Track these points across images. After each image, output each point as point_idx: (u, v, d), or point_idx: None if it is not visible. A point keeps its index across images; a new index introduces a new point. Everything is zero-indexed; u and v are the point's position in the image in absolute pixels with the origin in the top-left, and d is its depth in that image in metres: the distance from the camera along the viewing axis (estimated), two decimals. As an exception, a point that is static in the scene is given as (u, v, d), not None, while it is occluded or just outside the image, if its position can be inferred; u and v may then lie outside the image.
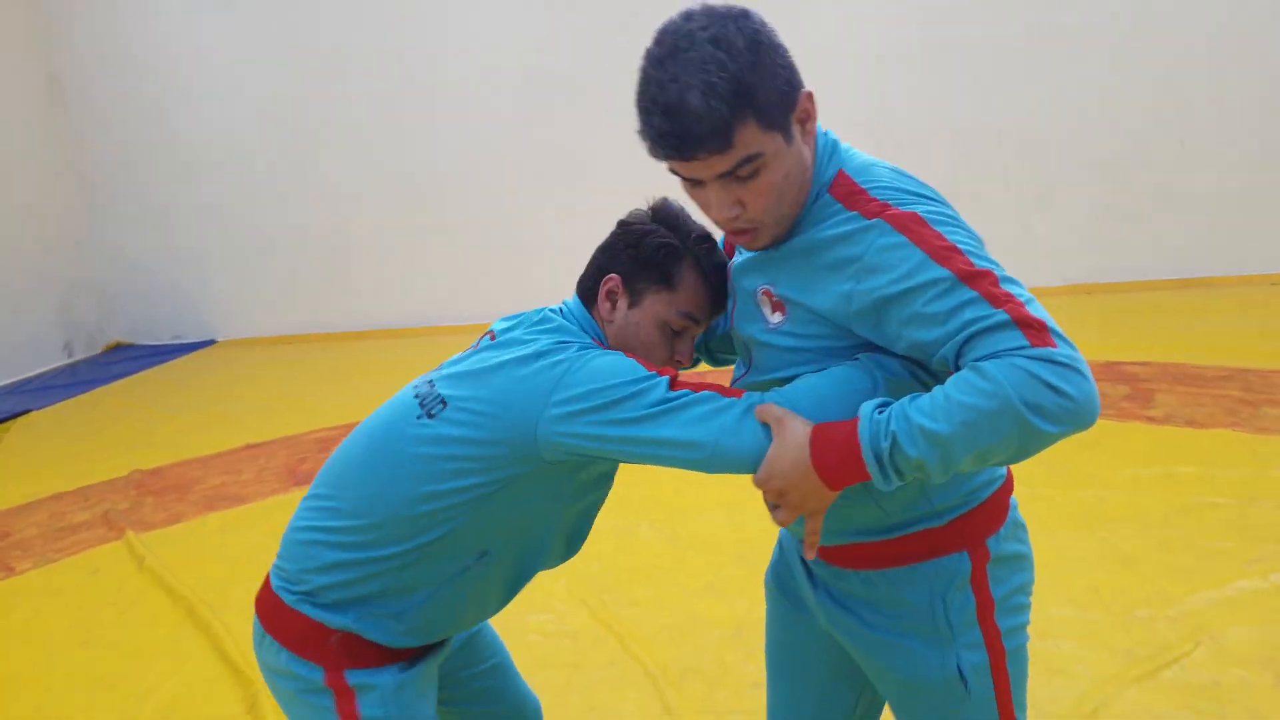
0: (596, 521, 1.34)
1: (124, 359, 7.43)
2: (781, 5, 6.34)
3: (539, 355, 1.16)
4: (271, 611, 1.28)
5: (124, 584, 3.33)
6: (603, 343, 1.28)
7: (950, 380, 0.97)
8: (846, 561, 1.23)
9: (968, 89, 5.94)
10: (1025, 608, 1.24)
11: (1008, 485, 1.25)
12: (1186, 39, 5.55)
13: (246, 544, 3.53)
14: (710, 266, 1.28)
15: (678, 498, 3.48)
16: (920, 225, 1.01)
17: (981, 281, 0.97)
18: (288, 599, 1.26)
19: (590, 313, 1.31)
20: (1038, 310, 0.97)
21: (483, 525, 1.20)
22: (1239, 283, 5.60)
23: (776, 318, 1.14)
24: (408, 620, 1.25)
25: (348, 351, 6.84)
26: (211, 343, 7.69)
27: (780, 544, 1.44)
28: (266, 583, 1.32)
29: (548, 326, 1.24)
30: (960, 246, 1.00)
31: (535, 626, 2.72)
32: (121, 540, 3.70)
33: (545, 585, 2.89)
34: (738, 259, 1.24)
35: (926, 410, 0.96)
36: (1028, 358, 0.93)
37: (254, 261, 7.54)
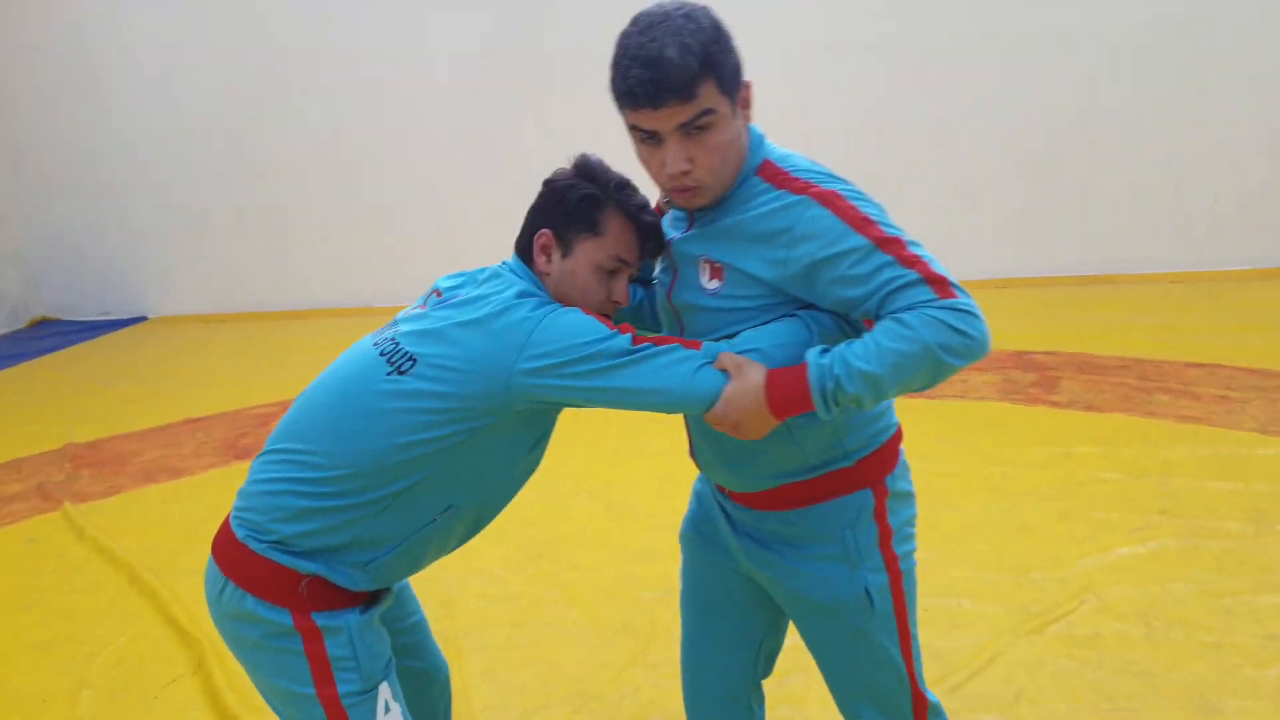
0: (537, 491, 1.48)
1: (50, 334, 7.27)
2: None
3: (502, 312, 1.27)
4: (237, 560, 1.33)
5: (63, 552, 3.34)
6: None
7: (877, 328, 1.19)
8: (768, 505, 1.41)
9: (893, 85, 6.20)
10: (913, 537, 1.45)
11: (899, 433, 1.46)
12: (1102, 44, 5.89)
13: (188, 514, 3.57)
14: (633, 209, 1.38)
15: (612, 470, 3.63)
16: (840, 200, 1.22)
17: (893, 247, 1.20)
18: (256, 547, 1.32)
19: (530, 268, 1.40)
20: (939, 268, 1.20)
21: (450, 475, 1.31)
22: (1141, 280, 5.98)
23: (714, 284, 1.31)
24: (374, 569, 1.34)
25: (284, 330, 6.82)
26: (143, 319, 7.57)
27: (697, 495, 1.61)
28: (229, 535, 1.36)
29: (499, 283, 1.34)
30: (873, 217, 1.21)
31: (476, 590, 2.85)
32: (59, 511, 3.70)
33: (485, 552, 3.02)
34: (677, 235, 1.39)
35: (861, 355, 1.18)
36: (937, 308, 1.16)
37: (189, 239, 7.44)
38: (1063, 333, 4.99)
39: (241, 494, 1.38)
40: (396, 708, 1.37)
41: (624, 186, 1.39)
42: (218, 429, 4.58)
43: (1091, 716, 2.07)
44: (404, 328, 1.35)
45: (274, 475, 1.34)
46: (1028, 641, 2.36)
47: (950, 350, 1.16)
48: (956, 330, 1.15)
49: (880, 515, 1.39)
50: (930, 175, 6.29)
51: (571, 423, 3.76)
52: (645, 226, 1.39)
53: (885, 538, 1.39)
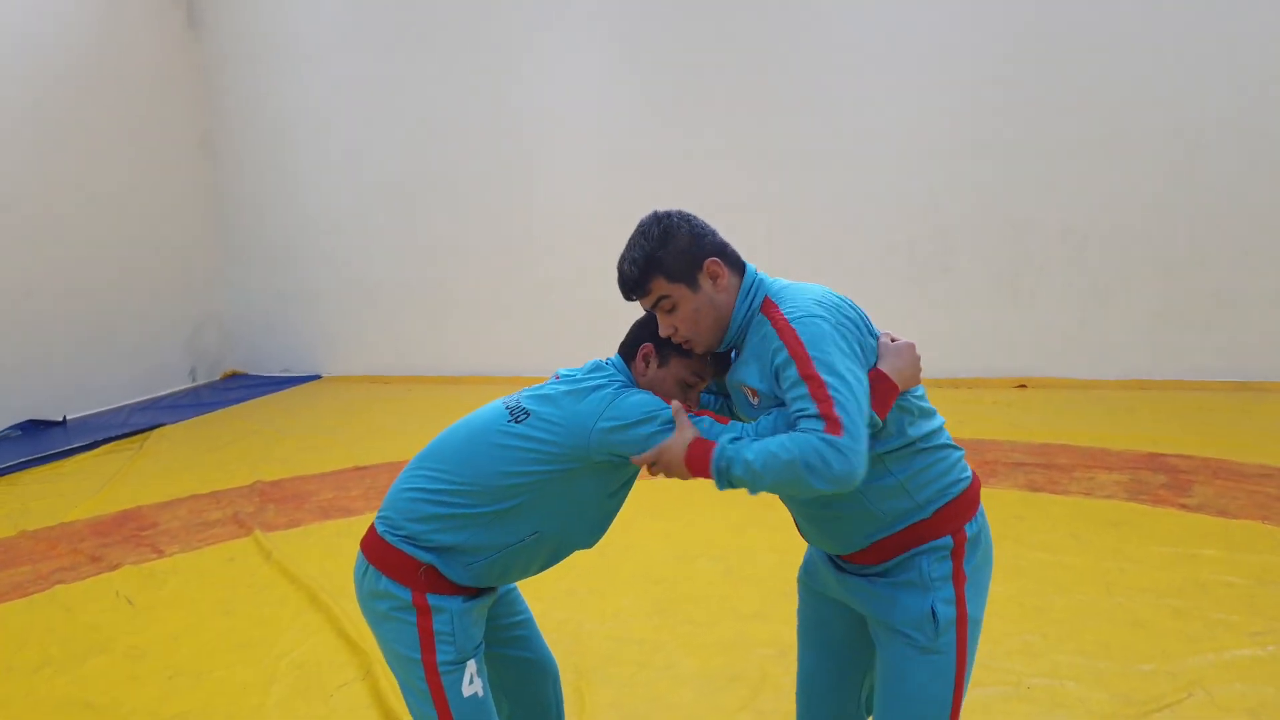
0: (664, 552, 1.84)
1: (239, 386, 8.19)
2: (849, 98, 6.93)
3: (594, 389, 1.71)
4: (375, 549, 1.75)
5: (256, 571, 3.87)
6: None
7: (779, 435, 1.52)
8: (866, 560, 1.70)
9: (1027, 185, 6.35)
10: (984, 596, 1.69)
11: (975, 484, 1.73)
12: (1245, 143, 5.87)
13: (354, 548, 4.04)
14: None
15: (733, 539, 3.88)
16: (796, 338, 1.56)
17: (813, 382, 1.50)
18: (390, 539, 1.74)
19: (629, 367, 1.81)
20: (842, 410, 1.47)
21: (539, 506, 1.70)
22: (1294, 390, 5.79)
23: (755, 400, 1.68)
24: (473, 569, 1.74)
25: (439, 393, 7.45)
26: (317, 377, 8.42)
27: (810, 551, 1.92)
28: (372, 531, 1.80)
29: (600, 373, 1.77)
30: (812, 356, 1.52)
31: (605, 632, 3.14)
32: (250, 537, 4.27)
33: (615, 600, 3.32)
34: (731, 369, 1.78)
35: (754, 451, 1.51)
36: (817, 436, 1.46)
37: (360, 307, 8.29)
38: (1200, 437, 4.92)
39: (385, 500, 1.81)
40: (480, 682, 1.73)
41: None
42: (382, 476, 5.11)
43: (1185, 799, 2.15)
44: (527, 393, 1.79)
45: (411, 485, 1.77)
46: (1128, 726, 2.44)
47: (811, 470, 1.45)
48: (821, 458, 1.45)
49: (958, 556, 1.64)
50: (1065, 275, 6.35)
51: (698, 492, 4.05)
52: (720, 355, 1.80)
53: (959, 579, 1.64)
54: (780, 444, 1.49)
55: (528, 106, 7.51)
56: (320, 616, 3.39)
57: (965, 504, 1.67)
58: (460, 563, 1.72)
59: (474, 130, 7.69)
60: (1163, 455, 4.64)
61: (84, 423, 6.87)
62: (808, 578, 1.90)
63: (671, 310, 1.66)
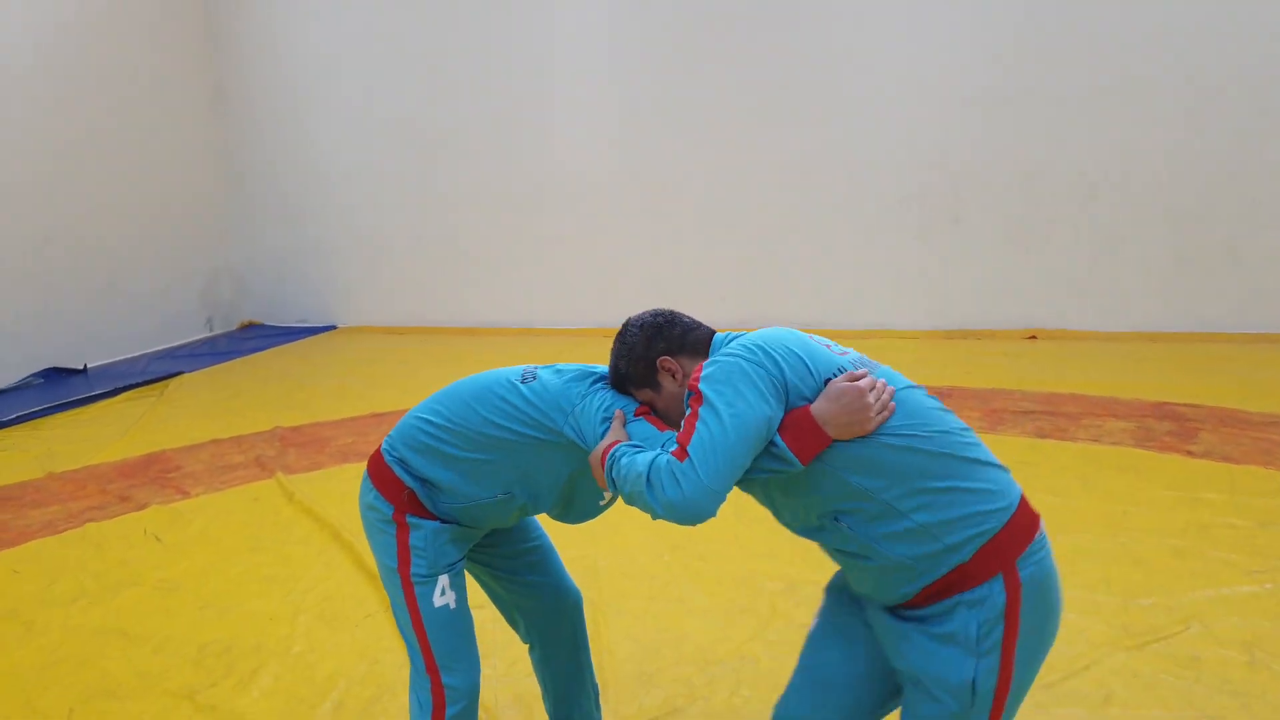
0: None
1: (256, 336, 8.28)
2: (859, 50, 6.89)
3: (596, 381, 1.79)
4: (374, 464, 1.90)
5: (279, 511, 3.98)
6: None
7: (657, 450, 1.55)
8: (912, 605, 1.54)
9: (1041, 135, 6.31)
10: (1040, 659, 1.52)
11: (1020, 514, 1.49)
12: (1255, 94, 5.81)
13: (377, 490, 4.15)
14: None
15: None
16: (699, 370, 1.55)
17: (689, 411, 1.50)
18: (387, 459, 1.89)
19: (630, 395, 1.82)
20: (696, 440, 1.45)
21: (512, 466, 1.79)
22: (1305, 340, 5.80)
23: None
24: (445, 508, 1.86)
25: (454, 344, 7.52)
26: (333, 328, 8.50)
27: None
28: (376, 450, 1.94)
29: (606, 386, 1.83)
30: (700, 388, 1.51)
31: (618, 568, 3.24)
32: (272, 479, 4.37)
33: (628, 536, 3.42)
34: None
35: (628, 459, 1.53)
36: (665, 460, 1.47)
37: (374, 258, 8.34)
38: (1208, 387, 4.95)
39: (400, 421, 1.93)
40: (452, 595, 1.85)
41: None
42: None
43: (1178, 722, 2.24)
44: (547, 367, 1.88)
45: (418, 414, 1.89)
46: (1126, 655, 2.52)
47: (649, 488, 1.46)
48: (659, 478, 1.46)
49: (1012, 613, 1.45)
50: (1076, 226, 6.34)
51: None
52: None
53: (1010, 645, 1.45)
54: (645, 458, 1.50)
55: (540, 59, 7.47)
56: (343, 553, 3.50)
57: (1012, 536, 1.46)
58: (437, 498, 1.85)
59: (486, 82, 7.65)
60: (1170, 404, 4.68)
61: (104, 371, 6.99)
62: (837, 583, 1.78)
63: (653, 408, 1.73)
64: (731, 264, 7.16)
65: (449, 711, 1.81)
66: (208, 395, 6.19)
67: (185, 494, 4.25)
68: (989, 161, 6.47)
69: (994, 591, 1.45)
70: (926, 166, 6.65)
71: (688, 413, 1.50)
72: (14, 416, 5.60)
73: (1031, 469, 3.91)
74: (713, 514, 1.44)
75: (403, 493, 1.84)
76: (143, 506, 4.11)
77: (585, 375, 1.81)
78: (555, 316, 7.80)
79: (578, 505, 1.89)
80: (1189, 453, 4.01)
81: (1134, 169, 6.15)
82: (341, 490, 4.18)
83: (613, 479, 1.56)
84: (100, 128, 7.20)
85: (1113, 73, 6.08)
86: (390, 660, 2.75)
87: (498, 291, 7.99)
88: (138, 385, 6.36)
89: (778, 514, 1.68)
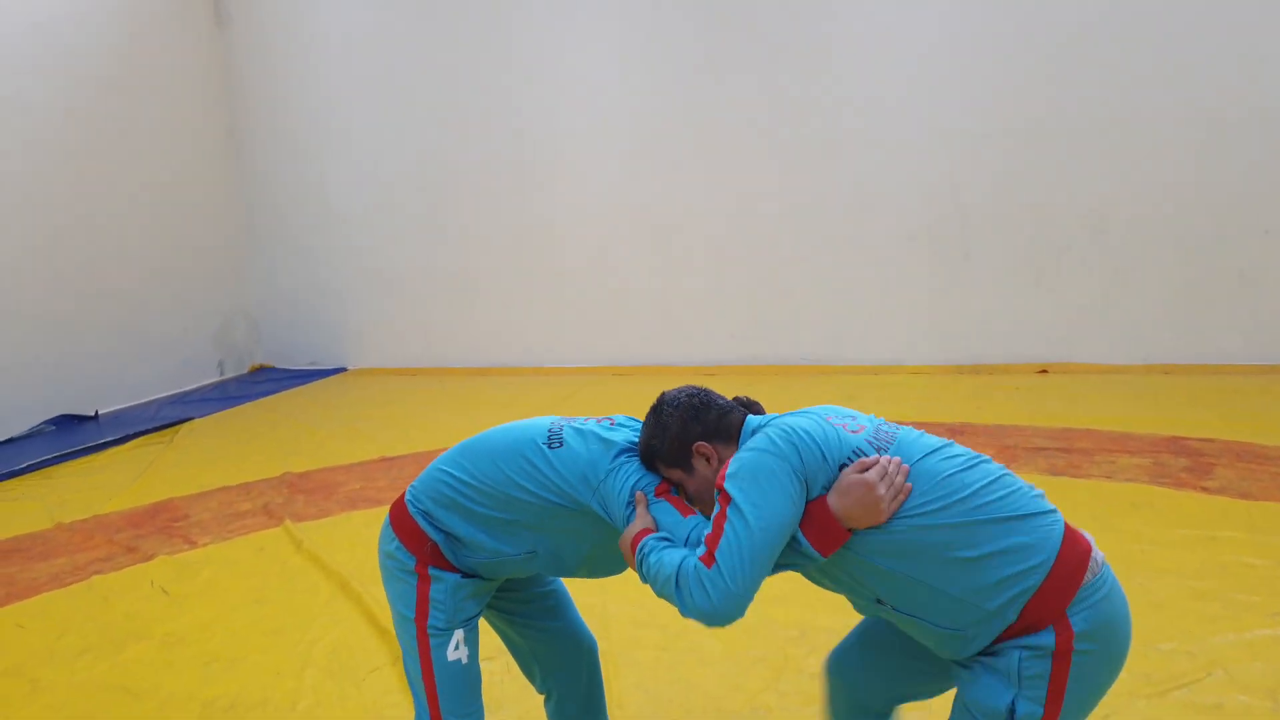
0: None
1: (267, 379, 8.31)
2: (868, 84, 6.94)
3: (622, 450, 1.78)
4: (398, 515, 1.90)
5: (286, 560, 3.96)
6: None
7: (686, 550, 1.58)
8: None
9: (1051, 168, 6.32)
10: (1094, 700, 1.53)
11: (1066, 556, 1.50)
12: (1271, 124, 5.81)
13: (385, 537, 4.13)
14: None
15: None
16: (725, 466, 1.58)
17: (715, 519, 1.53)
18: (411, 510, 1.89)
19: (657, 473, 1.80)
20: (724, 544, 1.48)
21: (539, 530, 1.80)
22: (1320, 371, 5.74)
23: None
24: (469, 562, 1.87)
25: (466, 384, 7.53)
26: (343, 370, 8.53)
27: None
28: (399, 499, 1.93)
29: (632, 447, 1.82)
30: (726, 486, 1.53)
31: (629, 616, 3.19)
32: (280, 527, 4.36)
33: (639, 586, 3.37)
34: None
35: (657, 555, 1.57)
36: (693, 565, 1.51)
37: (385, 299, 8.38)
38: (1223, 420, 4.90)
39: (424, 473, 1.93)
40: (465, 650, 1.86)
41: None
42: (408, 467, 5.19)
43: (1204, 776, 2.17)
44: (574, 422, 1.87)
45: (442, 467, 1.89)
46: (1147, 703, 2.46)
47: (678, 592, 1.51)
48: (687, 584, 1.49)
49: (1063, 656, 1.45)
50: (1086, 259, 6.32)
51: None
52: None
53: (1059, 683, 1.46)
54: (674, 558, 1.54)
55: (548, 99, 7.55)
56: (351, 604, 3.47)
57: (1056, 587, 1.46)
58: (460, 551, 1.85)
59: (494, 122, 7.73)
60: (1184, 439, 4.63)
61: (115, 417, 7.01)
62: None
63: (681, 488, 1.73)
64: (742, 299, 7.16)
65: None
66: (217, 441, 6.20)
67: (192, 544, 4.23)
68: (999, 195, 6.48)
69: (1046, 640, 1.47)
70: (937, 201, 6.66)
71: (716, 511, 1.54)
72: (24, 465, 5.62)
73: (1046, 508, 3.85)
74: (741, 616, 1.51)
75: (426, 545, 1.84)
76: (149, 558, 4.10)
77: (610, 443, 1.79)
78: (566, 355, 7.80)
79: (602, 565, 1.90)
80: (1205, 489, 3.95)
81: (1145, 200, 6.15)
82: (349, 538, 4.16)
83: (642, 572, 1.62)
84: (111, 172, 7.29)
85: (1123, 105, 6.10)
86: (395, 715, 2.71)
87: (508, 331, 8.01)
88: (148, 432, 6.38)
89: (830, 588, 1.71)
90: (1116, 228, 6.23)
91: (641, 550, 1.61)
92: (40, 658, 3.23)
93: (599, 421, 1.87)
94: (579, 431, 1.82)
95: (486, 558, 1.84)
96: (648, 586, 1.63)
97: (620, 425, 1.87)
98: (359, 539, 4.14)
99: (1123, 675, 2.57)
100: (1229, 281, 6.03)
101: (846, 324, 6.98)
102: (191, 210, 8.13)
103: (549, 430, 1.84)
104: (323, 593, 3.60)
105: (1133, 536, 3.53)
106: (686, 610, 1.50)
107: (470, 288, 8.07)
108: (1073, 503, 3.90)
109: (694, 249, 7.23)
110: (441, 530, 1.85)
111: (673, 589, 1.51)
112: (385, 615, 3.29)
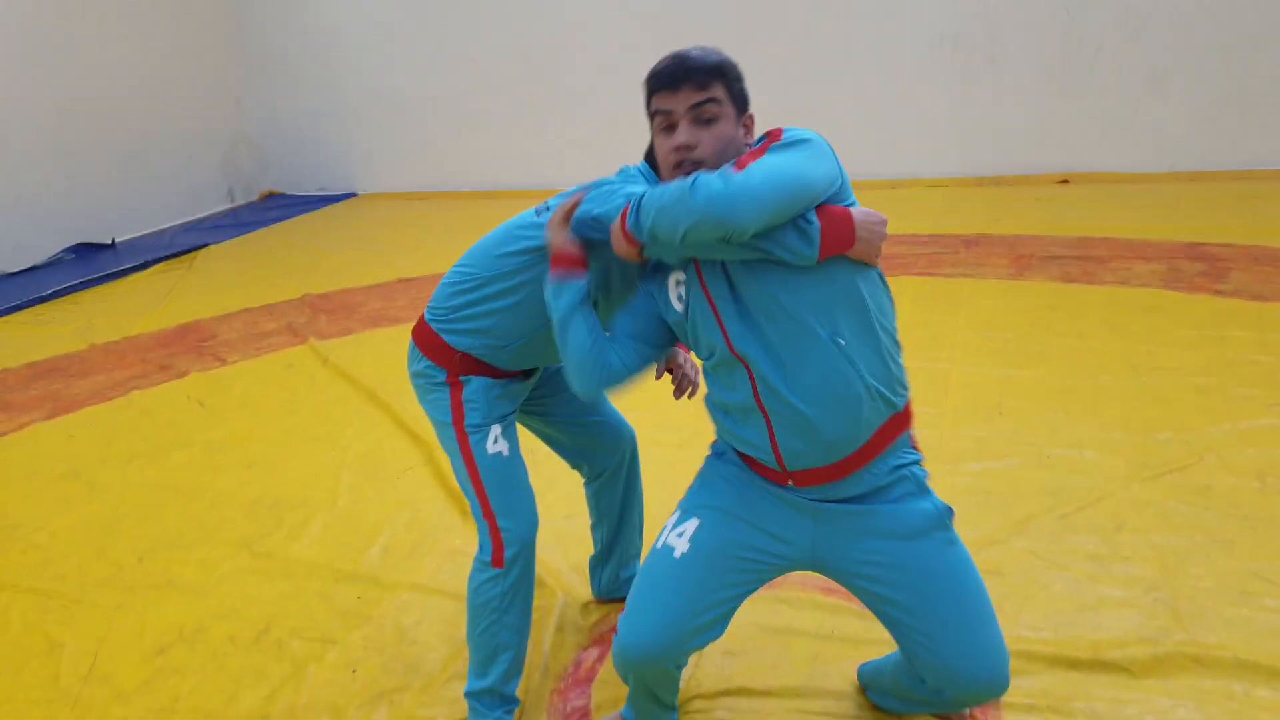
0: None
1: (277, 206, 8.28)
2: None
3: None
4: (421, 333, 1.93)
5: (315, 375, 4.10)
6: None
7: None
8: (849, 469, 1.55)
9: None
10: None
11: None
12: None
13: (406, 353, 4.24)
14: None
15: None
16: (778, 132, 1.52)
17: (754, 151, 1.45)
18: (435, 326, 1.91)
19: (653, 169, 1.73)
20: (761, 163, 1.39)
21: (539, 294, 1.74)
22: (1349, 175, 5.61)
23: None
24: (502, 355, 1.88)
25: (473, 208, 7.48)
26: (353, 195, 8.46)
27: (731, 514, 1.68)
28: (420, 317, 1.95)
29: (619, 175, 1.76)
30: (784, 137, 1.47)
31: (648, 420, 3.33)
32: (305, 345, 4.48)
33: (653, 389, 3.49)
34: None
35: (661, 190, 1.45)
36: (715, 175, 1.40)
37: (391, 123, 8.18)
38: (1245, 226, 4.84)
39: (436, 289, 1.95)
40: (504, 443, 1.90)
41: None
42: (426, 288, 5.26)
43: (1185, 546, 2.32)
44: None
45: (451, 278, 1.91)
46: (1140, 485, 2.60)
47: (693, 189, 1.36)
48: (705, 180, 1.37)
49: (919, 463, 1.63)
50: (1120, 62, 6.05)
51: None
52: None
53: (927, 482, 1.63)
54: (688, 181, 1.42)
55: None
56: (380, 412, 3.63)
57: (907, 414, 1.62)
58: (489, 347, 1.87)
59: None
60: (1203, 244, 4.60)
61: (132, 244, 7.06)
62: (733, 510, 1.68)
63: (709, 121, 1.52)
64: (760, 112, 6.93)
65: (507, 553, 1.86)
66: (236, 266, 6.26)
67: (223, 361, 4.37)
68: (1027, -3, 6.12)
69: (908, 440, 1.63)
70: (963, 6, 6.30)
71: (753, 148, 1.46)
72: (50, 291, 5.73)
73: (1057, 313, 3.90)
74: (754, 226, 1.36)
75: (455, 356, 1.88)
76: (183, 374, 4.25)
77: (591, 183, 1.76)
78: (576, 176, 7.65)
79: (618, 296, 1.84)
80: (1218, 292, 3.97)
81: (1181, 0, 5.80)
82: (374, 353, 4.28)
83: (639, 222, 1.47)
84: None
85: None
86: (430, 509, 2.89)
87: (516, 153, 7.85)
88: (166, 258, 6.44)
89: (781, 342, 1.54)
90: (1150, 30, 5.91)
91: (638, 200, 1.47)
92: (93, 463, 3.43)
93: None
94: (561, 196, 1.81)
95: (515, 342, 1.85)
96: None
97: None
98: (383, 354, 4.26)
99: (1118, 462, 2.71)
100: (1262, 85, 5.78)
101: (867, 136, 6.79)
102: (188, 32, 7.83)
103: (534, 210, 1.85)
104: (352, 403, 3.75)
105: (1143, 338, 3.58)
106: (697, 199, 1.36)
107: (477, 111, 7.85)
108: (1083, 308, 3.94)
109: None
110: (466, 334, 1.88)
111: (686, 189, 1.38)
112: (414, 421, 3.44)
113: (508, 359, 1.90)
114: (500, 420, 1.92)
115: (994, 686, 1.55)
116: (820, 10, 6.61)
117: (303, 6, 8.05)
